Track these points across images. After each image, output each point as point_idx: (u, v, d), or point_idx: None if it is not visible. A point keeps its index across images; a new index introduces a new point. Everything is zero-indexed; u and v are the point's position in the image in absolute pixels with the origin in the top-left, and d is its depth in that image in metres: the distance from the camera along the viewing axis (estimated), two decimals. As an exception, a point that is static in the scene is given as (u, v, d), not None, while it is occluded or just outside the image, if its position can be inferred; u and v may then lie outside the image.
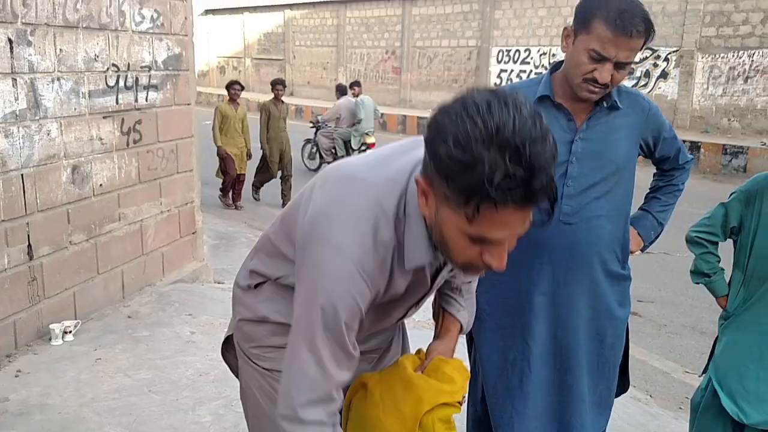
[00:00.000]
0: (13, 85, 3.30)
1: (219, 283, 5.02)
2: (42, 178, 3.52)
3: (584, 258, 1.99)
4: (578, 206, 1.96)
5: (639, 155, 2.11)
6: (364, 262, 1.18)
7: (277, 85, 8.97)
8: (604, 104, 1.97)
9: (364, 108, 10.36)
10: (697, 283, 2.64)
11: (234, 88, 8.57)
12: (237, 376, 1.63)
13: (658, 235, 2.32)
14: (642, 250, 2.31)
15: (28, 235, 3.46)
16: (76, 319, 3.76)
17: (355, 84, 10.87)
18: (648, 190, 2.37)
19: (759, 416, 2.41)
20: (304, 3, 24.20)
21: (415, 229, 1.20)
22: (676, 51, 14.63)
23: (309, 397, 1.22)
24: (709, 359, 2.64)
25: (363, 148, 10.29)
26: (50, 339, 3.54)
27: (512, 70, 18.07)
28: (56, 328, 3.54)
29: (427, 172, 1.10)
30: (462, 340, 2.29)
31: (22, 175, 3.39)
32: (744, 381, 2.43)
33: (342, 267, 1.17)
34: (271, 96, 9.03)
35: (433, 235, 1.17)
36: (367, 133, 10.40)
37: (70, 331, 3.60)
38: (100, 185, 3.95)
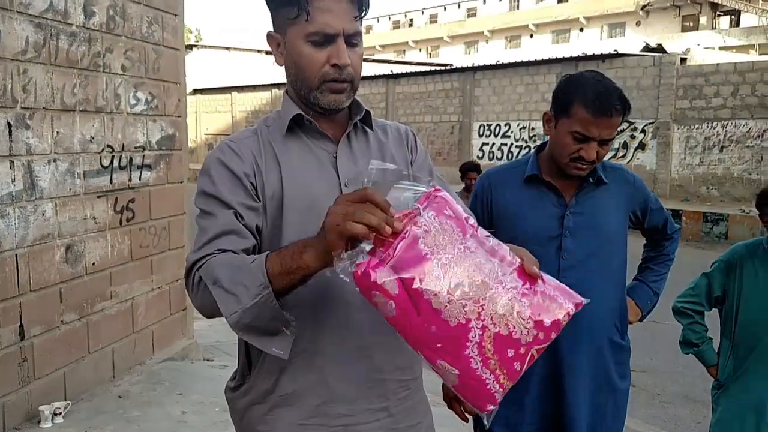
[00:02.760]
0: (10, 167, 3.37)
1: (208, 360, 4.97)
2: (36, 258, 3.54)
3: (587, 329, 2.02)
4: (577, 278, 2.01)
5: (629, 227, 2.20)
6: (235, 137, 1.47)
7: (470, 171, 6.33)
8: (590, 180, 2.06)
9: None
10: (687, 353, 2.68)
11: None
12: None
13: (654, 305, 2.37)
14: (640, 320, 2.36)
15: (21, 315, 3.45)
16: (65, 399, 3.70)
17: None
18: (640, 261, 2.44)
19: None
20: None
21: (287, 107, 1.47)
22: (653, 123, 15.08)
23: (199, 243, 1.40)
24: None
25: None
26: (39, 422, 3.47)
27: (494, 143, 18.48)
28: (46, 410, 3.48)
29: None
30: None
31: (16, 255, 3.41)
32: None
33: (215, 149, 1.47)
34: (461, 186, 6.37)
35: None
36: None
37: (60, 413, 3.54)
38: (93, 264, 3.97)
